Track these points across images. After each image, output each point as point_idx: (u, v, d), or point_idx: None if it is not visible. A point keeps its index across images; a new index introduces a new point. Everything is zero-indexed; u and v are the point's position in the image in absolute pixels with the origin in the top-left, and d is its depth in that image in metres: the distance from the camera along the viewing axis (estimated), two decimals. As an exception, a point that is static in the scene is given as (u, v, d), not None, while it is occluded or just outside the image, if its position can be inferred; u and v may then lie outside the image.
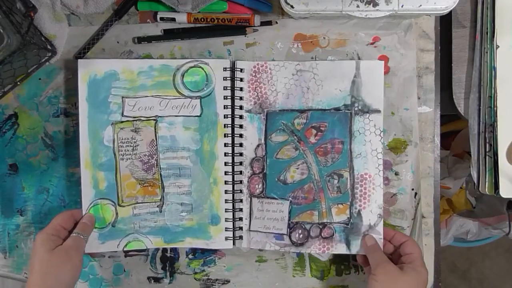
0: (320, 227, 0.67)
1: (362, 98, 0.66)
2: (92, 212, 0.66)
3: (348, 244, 0.66)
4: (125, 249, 0.67)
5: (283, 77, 0.67)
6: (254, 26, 0.67)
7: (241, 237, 0.68)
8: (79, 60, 0.66)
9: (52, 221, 0.62)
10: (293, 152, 0.67)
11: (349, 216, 0.66)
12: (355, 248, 0.66)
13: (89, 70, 0.66)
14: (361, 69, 0.66)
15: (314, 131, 0.67)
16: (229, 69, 0.67)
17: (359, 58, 0.67)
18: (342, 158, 0.66)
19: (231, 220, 0.68)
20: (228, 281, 0.70)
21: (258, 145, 0.67)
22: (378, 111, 0.65)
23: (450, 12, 0.62)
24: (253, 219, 0.68)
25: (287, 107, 0.67)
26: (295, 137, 0.67)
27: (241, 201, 0.68)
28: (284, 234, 0.67)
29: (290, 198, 0.67)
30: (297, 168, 0.67)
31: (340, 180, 0.66)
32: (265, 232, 0.67)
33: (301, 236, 0.67)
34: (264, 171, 0.67)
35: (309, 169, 0.67)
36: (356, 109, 0.66)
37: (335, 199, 0.67)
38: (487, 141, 0.67)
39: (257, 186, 0.68)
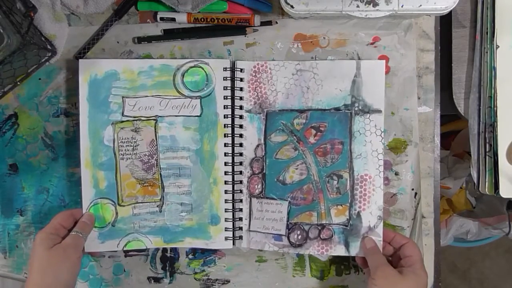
0: (319, 228, 0.66)
1: (362, 98, 0.65)
2: (92, 211, 0.66)
3: (347, 246, 0.66)
4: (125, 248, 0.67)
5: (283, 77, 0.66)
6: (254, 26, 0.67)
7: (241, 237, 0.68)
8: (80, 60, 0.66)
9: (52, 220, 0.62)
10: (292, 152, 0.67)
11: (348, 217, 0.66)
12: (354, 250, 0.65)
13: (89, 70, 0.66)
14: (361, 69, 0.65)
15: (313, 131, 0.66)
16: (229, 69, 0.67)
17: (359, 58, 0.67)
18: (342, 159, 0.66)
19: (231, 220, 0.67)
20: (228, 281, 0.70)
21: (257, 145, 0.67)
22: (379, 111, 0.65)
23: (450, 12, 0.62)
24: (253, 219, 0.68)
25: (287, 107, 0.67)
26: (294, 137, 0.67)
27: (241, 201, 0.68)
28: (283, 235, 0.67)
29: (289, 199, 0.67)
30: (296, 169, 0.67)
31: (339, 181, 0.66)
32: (264, 233, 0.67)
33: (299, 237, 0.67)
34: (264, 171, 0.67)
35: (308, 170, 0.66)
36: (356, 109, 0.65)
37: (334, 200, 0.66)
38: (487, 141, 0.67)
39: (256, 186, 0.67)
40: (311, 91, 0.66)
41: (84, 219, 0.65)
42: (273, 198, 0.67)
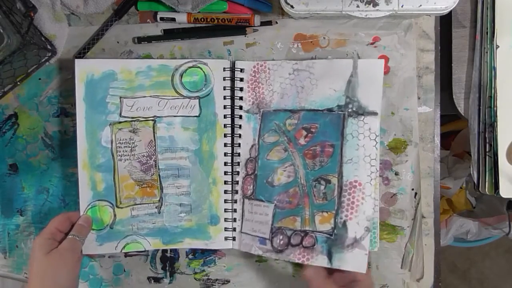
0: (302, 235, 0.63)
1: (357, 99, 0.62)
2: (90, 214, 0.66)
3: (329, 257, 0.61)
4: (123, 251, 0.67)
5: (279, 76, 0.65)
6: (254, 26, 0.67)
7: (234, 239, 0.67)
8: (76, 59, 0.66)
9: (48, 225, 0.62)
10: (282, 154, 0.64)
11: (333, 226, 0.61)
12: (337, 262, 0.60)
13: (86, 70, 0.65)
14: (358, 68, 0.62)
15: (304, 132, 0.63)
16: (229, 69, 0.66)
17: (359, 58, 0.67)
18: (332, 163, 0.62)
19: (231, 220, 0.67)
20: (228, 281, 0.70)
21: (252, 146, 0.66)
22: (375, 114, 0.61)
23: (450, 12, 0.62)
24: (244, 220, 0.66)
25: (281, 107, 0.65)
26: (285, 138, 0.64)
27: (236, 201, 0.67)
28: (267, 238, 0.64)
29: (275, 202, 0.64)
30: (284, 171, 0.64)
31: (327, 186, 0.62)
32: (252, 235, 0.65)
33: (281, 242, 0.63)
34: (255, 172, 0.66)
35: (296, 172, 0.64)
36: (350, 110, 0.62)
37: (320, 206, 0.62)
38: (487, 141, 0.67)
39: (249, 187, 0.66)
40: (305, 91, 0.64)
41: (81, 221, 0.64)
42: (261, 200, 0.65)
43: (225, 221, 0.67)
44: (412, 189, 0.67)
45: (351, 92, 0.62)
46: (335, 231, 0.61)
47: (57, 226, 0.62)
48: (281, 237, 0.64)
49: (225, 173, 0.67)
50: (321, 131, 0.63)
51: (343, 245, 0.61)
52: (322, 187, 0.62)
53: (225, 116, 0.67)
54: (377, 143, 0.61)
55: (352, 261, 0.60)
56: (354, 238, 0.60)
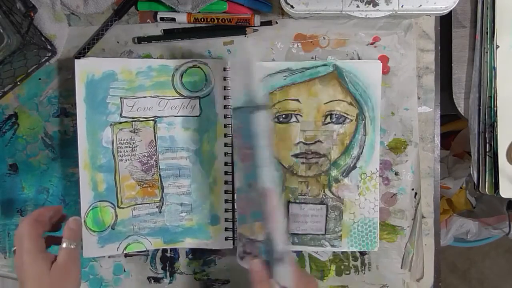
0: (251, 243, 0.58)
1: (249, 93, 0.55)
2: (92, 215, 0.65)
3: (271, 268, 0.54)
4: (125, 251, 0.67)
5: (235, 71, 0.62)
6: (254, 26, 0.67)
7: (234, 238, 0.67)
8: (76, 60, 0.65)
9: (26, 236, 0.55)
10: (234, 157, 0.63)
11: (265, 236, 0.55)
12: (276, 275, 0.53)
13: (87, 70, 0.65)
14: (236, 58, 0.57)
15: (236, 134, 0.60)
16: (229, 69, 0.66)
17: (359, 58, 0.67)
18: (251, 167, 0.55)
19: (231, 220, 0.67)
20: (228, 281, 0.70)
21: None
22: (260, 107, 0.53)
23: (450, 12, 0.62)
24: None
25: (235, 105, 0.60)
26: (234, 140, 0.63)
27: (238, 201, 0.67)
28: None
29: (236, 207, 0.63)
30: (237, 175, 0.62)
31: (254, 193, 0.55)
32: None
33: (241, 249, 0.60)
34: None
35: (239, 177, 0.60)
36: (250, 106, 0.55)
37: (254, 214, 0.56)
38: (487, 141, 0.67)
39: None
40: (233, 87, 0.61)
41: (71, 226, 0.58)
42: None
43: (225, 221, 0.67)
44: (412, 189, 0.68)
45: (245, 85, 0.56)
46: (266, 242, 0.55)
47: (33, 232, 0.56)
48: (241, 244, 0.60)
49: (226, 173, 0.67)
50: (243, 131, 0.57)
51: (272, 257, 0.54)
52: (254, 194, 0.55)
53: (225, 116, 0.67)
54: (270, 141, 0.55)
55: (281, 274, 0.53)
56: (279, 251, 0.53)
